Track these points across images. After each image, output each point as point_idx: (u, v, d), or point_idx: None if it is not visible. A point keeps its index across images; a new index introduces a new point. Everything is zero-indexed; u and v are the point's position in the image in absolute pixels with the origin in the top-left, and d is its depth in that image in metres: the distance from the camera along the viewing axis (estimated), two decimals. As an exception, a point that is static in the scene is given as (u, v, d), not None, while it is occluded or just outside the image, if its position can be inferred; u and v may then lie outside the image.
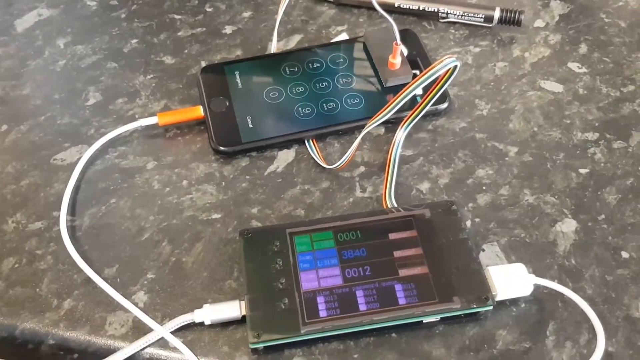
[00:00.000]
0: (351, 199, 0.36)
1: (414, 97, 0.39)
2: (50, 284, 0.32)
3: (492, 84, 0.41)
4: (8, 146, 0.38)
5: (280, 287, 0.31)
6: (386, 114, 0.35)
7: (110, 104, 0.40)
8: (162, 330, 0.30)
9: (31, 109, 0.40)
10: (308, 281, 0.31)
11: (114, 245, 0.34)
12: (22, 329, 0.31)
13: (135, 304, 0.31)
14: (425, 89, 0.37)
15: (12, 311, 0.31)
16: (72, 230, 0.34)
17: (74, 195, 0.36)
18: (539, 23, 0.45)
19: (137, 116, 0.40)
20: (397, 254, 0.32)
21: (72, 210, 0.35)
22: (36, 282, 0.32)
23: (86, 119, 0.40)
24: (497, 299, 0.31)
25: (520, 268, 0.31)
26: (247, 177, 0.37)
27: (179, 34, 0.44)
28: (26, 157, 0.38)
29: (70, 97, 0.41)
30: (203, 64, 0.42)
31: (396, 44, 0.38)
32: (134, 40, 0.44)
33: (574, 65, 0.42)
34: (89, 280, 0.32)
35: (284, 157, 0.38)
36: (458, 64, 0.33)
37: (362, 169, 0.37)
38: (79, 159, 0.37)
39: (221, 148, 0.37)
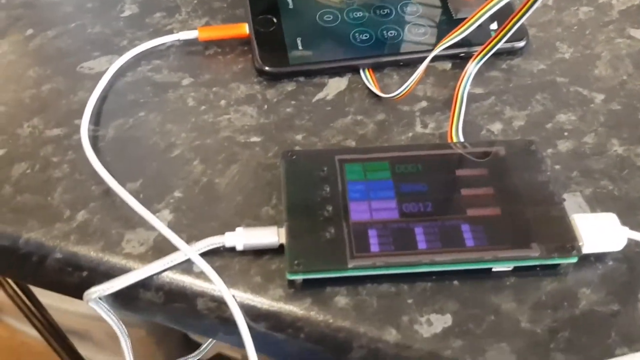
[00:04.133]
0: (410, 134, 0.31)
1: (488, 32, 0.35)
2: (63, 194, 0.28)
3: (575, 27, 0.36)
4: (31, 50, 0.35)
5: (326, 215, 0.26)
6: (457, 35, 0.31)
7: (146, 17, 0.36)
8: (188, 250, 0.25)
9: (60, 16, 0.36)
10: (358, 212, 0.26)
11: (140, 160, 0.30)
12: (27, 239, 0.27)
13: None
14: (501, 23, 0.33)
15: (18, 218, 0.28)
16: (94, 140, 0.30)
17: (99, 104, 0.32)
18: (629, -30, 0.40)
19: (175, 31, 0.36)
20: (465, 192, 0.27)
21: (96, 120, 0.31)
22: (48, 191, 0.29)
23: (119, 30, 0.36)
24: (583, 251, 0.26)
25: (612, 218, 0.26)
26: (293, 102, 0.32)
27: (227, -47, 0.40)
28: (50, 63, 0.34)
29: (104, 7, 0.37)
30: (251, -16, 0.38)
31: (473, -33, 0.34)
32: (178, -43, 0.40)
33: (669, 16, 0.37)
34: (107, 192, 0.28)
35: (335, 84, 0.33)
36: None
37: (423, 103, 0.33)
38: (107, 69, 0.33)
39: (266, 68, 0.33)
